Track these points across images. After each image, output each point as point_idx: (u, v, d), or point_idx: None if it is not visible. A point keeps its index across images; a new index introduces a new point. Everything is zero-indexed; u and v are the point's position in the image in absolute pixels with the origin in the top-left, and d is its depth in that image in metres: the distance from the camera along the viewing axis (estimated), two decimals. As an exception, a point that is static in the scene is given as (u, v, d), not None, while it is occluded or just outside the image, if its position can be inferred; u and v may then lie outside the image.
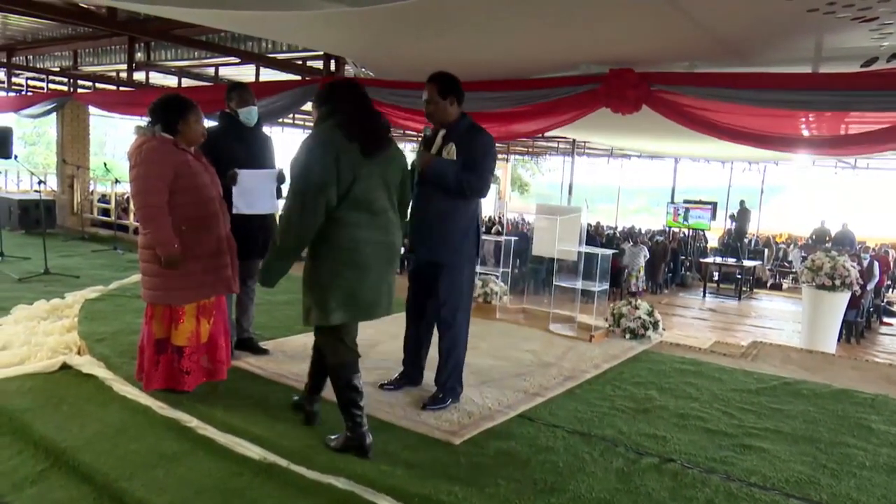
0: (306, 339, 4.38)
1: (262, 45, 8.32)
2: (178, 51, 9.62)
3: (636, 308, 5.00)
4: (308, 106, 8.51)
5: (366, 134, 2.63)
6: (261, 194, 3.69)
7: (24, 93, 13.13)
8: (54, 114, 11.97)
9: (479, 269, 5.74)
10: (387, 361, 4.00)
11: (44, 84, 12.40)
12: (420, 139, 3.41)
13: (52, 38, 10.59)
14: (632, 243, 13.76)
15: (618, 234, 16.32)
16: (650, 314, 4.99)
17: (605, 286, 5.07)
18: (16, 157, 8.80)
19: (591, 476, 2.65)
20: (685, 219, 15.45)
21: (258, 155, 3.77)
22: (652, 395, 3.72)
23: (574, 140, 11.75)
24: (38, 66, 12.04)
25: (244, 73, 9.76)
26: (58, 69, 11.66)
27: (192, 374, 3.20)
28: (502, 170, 31.45)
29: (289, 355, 4.01)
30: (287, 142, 22.84)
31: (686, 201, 15.98)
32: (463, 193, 3.16)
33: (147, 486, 2.51)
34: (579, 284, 5.11)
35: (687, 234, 16.23)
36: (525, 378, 3.86)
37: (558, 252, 5.13)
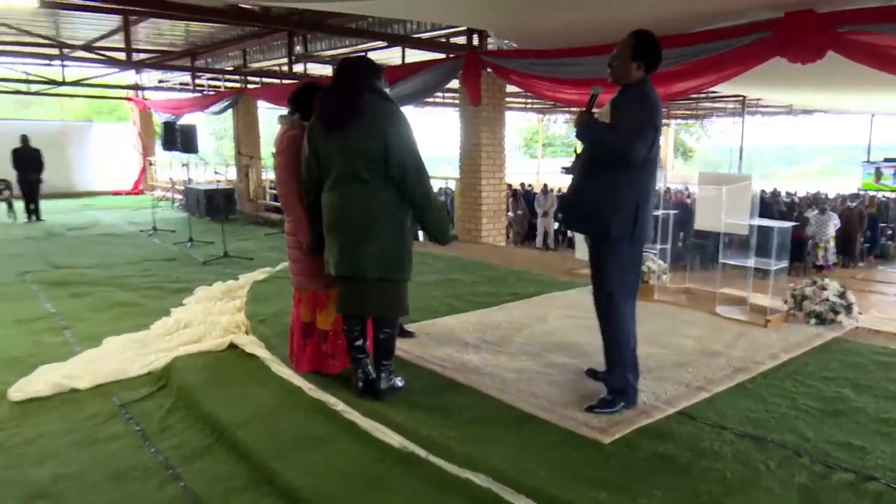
0: (453, 322, 4.36)
1: (406, 26, 8.38)
2: (332, 41, 10.03)
3: (823, 288, 4.33)
4: (455, 83, 8.48)
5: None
6: None
7: (205, 92, 14.55)
8: (230, 109, 13.13)
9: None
10: (532, 346, 3.82)
11: (220, 83, 13.65)
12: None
13: (225, 40, 11.56)
14: (817, 210, 12.20)
15: (798, 201, 14.58)
16: (841, 295, 4.29)
17: (784, 264, 4.44)
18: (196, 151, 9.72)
19: (767, 492, 2.28)
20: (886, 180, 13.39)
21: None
22: (845, 395, 3.17)
23: (744, 98, 10.55)
24: (215, 66, 13.25)
25: (392, 56, 9.95)
26: (231, 68, 12.75)
27: (337, 357, 3.26)
28: (662, 135, 29.59)
29: (434, 338, 3.97)
30: (439, 122, 23.27)
31: (887, 160, 13.83)
32: (608, 156, 2.81)
33: (295, 468, 2.58)
34: (751, 262, 4.53)
35: (888, 197, 14.07)
36: (687, 369, 3.48)
37: (725, 226, 4.58)
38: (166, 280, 6.28)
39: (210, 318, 4.71)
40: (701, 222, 4.98)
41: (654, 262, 5.21)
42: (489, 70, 7.64)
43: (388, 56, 10.33)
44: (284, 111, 3.36)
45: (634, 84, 2.83)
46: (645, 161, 2.77)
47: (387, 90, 3.41)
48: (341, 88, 2.86)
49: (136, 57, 12.59)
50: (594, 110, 2.88)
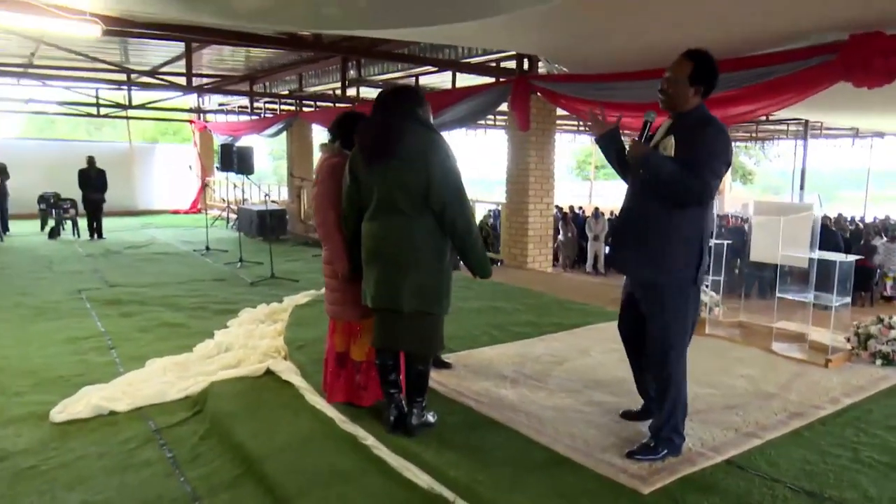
0: (492, 354, 4.25)
1: (457, 51, 8.42)
2: (384, 65, 10.18)
3: (891, 327, 4.03)
4: (504, 107, 8.44)
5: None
6: None
7: (262, 115, 14.98)
8: (285, 132, 13.46)
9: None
10: (572, 382, 3.67)
11: (276, 106, 14.03)
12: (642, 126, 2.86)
13: (282, 65, 11.91)
14: (886, 238, 11.54)
15: (864, 227, 13.84)
16: (912, 335, 3.98)
17: (846, 300, 4.16)
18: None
19: (823, 559, 2.08)
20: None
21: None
22: (914, 447, 2.91)
23: (807, 121, 10.14)
24: (272, 90, 13.64)
25: (443, 80, 10.00)
26: (286, 92, 13.09)
27: (369, 389, 3.20)
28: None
29: (472, 370, 3.87)
30: (489, 144, 23.25)
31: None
32: (677, 197, 2.59)
33: (318, 506, 2.51)
34: (811, 297, 4.27)
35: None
36: (738, 412, 3.26)
37: (782, 258, 4.34)
38: (213, 301, 6.38)
39: (251, 341, 4.74)
40: (757, 253, 4.73)
41: (705, 293, 4.97)
42: (538, 94, 7.56)
43: (439, 80, 10.41)
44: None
45: (694, 111, 2.64)
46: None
47: (430, 118, 3.38)
48: (383, 118, 2.83)
49: (198, 81, 13.14)
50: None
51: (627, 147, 2.67)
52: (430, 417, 3.03)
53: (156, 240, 11.48)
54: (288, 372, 3.92)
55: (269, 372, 4.03)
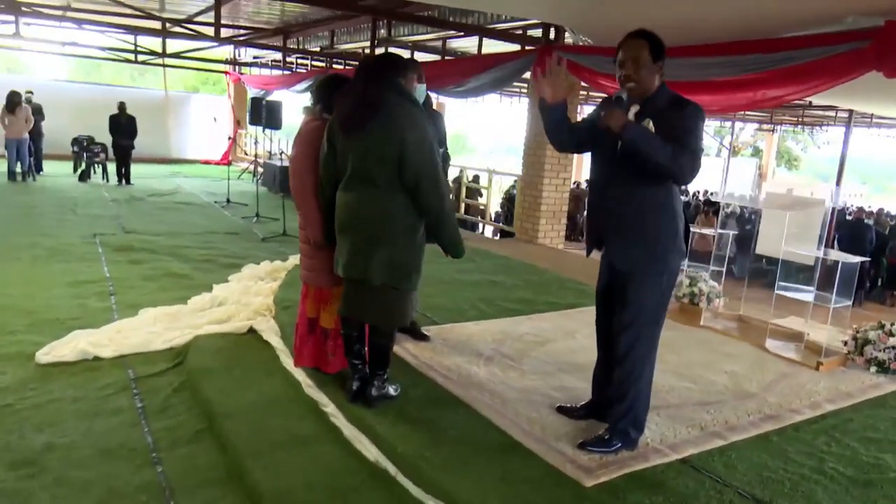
0: (475, 329, 4.22)
1: (485, 16, 8.21)
2: (413, 27, 10.01)
3: (890, 334, 3.86)
4: (527, 74, 8.23)
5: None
6: None
7: (294, 70, 14.94)
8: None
9: (687, 264, 4.98)
10: (548, 364, 3.64)
11: (308, 62, 13.97)
12: (604, 101, 2.78)
13: (316, 21, 11.81)
14: (924, 237, 11.05)
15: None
16: (911, 344, 3.82)
17: (847, 302, 4.00)
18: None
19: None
20: None
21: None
22: (885, 462, 2.80)
23: (851, 110, 9.66)
24: (305, 46, 13.57)
25: (470, 45, 9.80)
26: (318, 49, 13.00)
27: (337, 356, 3.21)
28: (765, 141, 27.72)
29: (449, 345, 3.85)
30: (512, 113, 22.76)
31: None
32: (670, 175, 2.46)
33: (265, 468, 2.55)
34: (811, 297, 4.11)
35: None
36: (710, 409, 3.19)
37: (785, 254, 4.18)
38: (222, 254, 6.48)
39: (245, 298, 4.79)
40: (763, 246, 4.56)
41: (705, 283, 4.84)
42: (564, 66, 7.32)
43: (466, 45, 10.20)
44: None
45: (662, 92, 2.52)
46: None
47: (413, 88, 3.28)
48: (361, 87, 2.77)
49: (231, 33, 13.14)
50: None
51: (602, 114, 2.46)
52: (392, 390, 3.04)
53: (181, 189, 11.67)
54: (269, 332, 3.96)
55: (252, 330, 4.08)
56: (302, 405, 3.10)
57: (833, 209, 4.30)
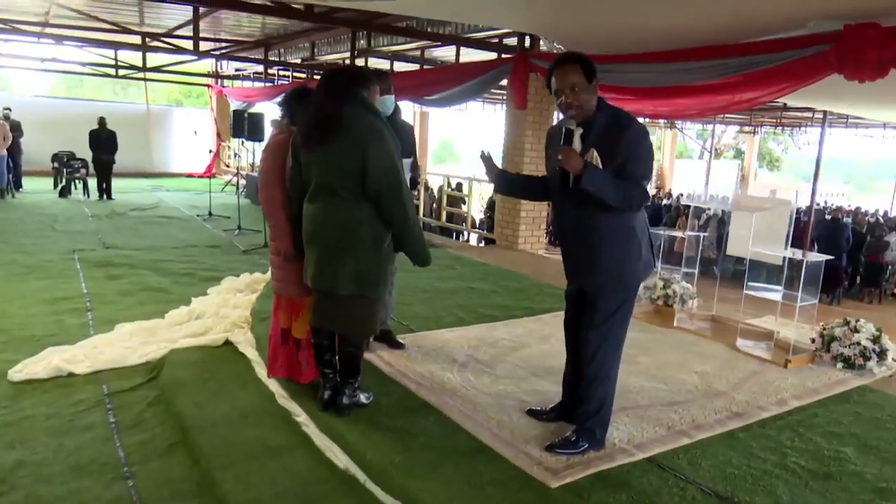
0: (450, 336, 4.26)
1: (462, 26, 8.30)
2: (393, 38, 10.09)
3: (855, 330, 3.95)
4: (505, 81, 8.32)
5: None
6: None
7: (276, 82, 14.98)
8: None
9: (660, 267, 5.05)
10: (522, 369, 3.68)
11: (289, 73, 14.01)
12: (554, 130, 2.79)
13: (296, 32, 11.88)
14: (901, 235, 11.23)
15: (882, 221, 13.46)
16: (875, 339, 3.90)
17: (812, 300, 4.08)
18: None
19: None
20: None
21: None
22: (846, 455, 2.87)
23: (824, 112, 9.88)
24: (287, 58, 13.62)
25: (448, 54, 9.89)
26: (299, 61, 13.05)
27: (309, 366, 3.24)
28: (747, 143, 28.06)
29: (424, 352, 3.89)
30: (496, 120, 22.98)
31: None
32: (624, 209, 2.55)
33: (235, 479, 2.57)
34: (779, 296, 4.19)
35: None
36: (678, 409, 3.24)
37: (752, 254, 4.26)
38: (202, 267, 6.49)
39: (222, 310, 4.80)
40: (733, 247, 4.65)
41: (679, 284, 4.91)
42: (537, 74, 7.43)
43: (445, 54, 10.29)
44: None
45: (599, 111, 2.55)
46: None
47: (386, 99, 3.32)
48: (322, 100, 2.82)
49: (212, 46, 13.16)
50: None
51: (559, 157, 2.48)
52: (364, 398, 3.07)
53: (163, 203, 11.65)
54: (245, 344, 3.98)
55: (228, 343, 4.10)
56: (275, 416, 3.12)
57: (796, 211, 4.37)
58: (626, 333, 2.78)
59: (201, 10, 9.32)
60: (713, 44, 5.39)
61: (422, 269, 3.18)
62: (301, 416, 3.03)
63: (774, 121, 20.99)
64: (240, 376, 3.60)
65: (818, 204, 14.53)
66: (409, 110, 19.20)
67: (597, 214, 2.56)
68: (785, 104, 11.82)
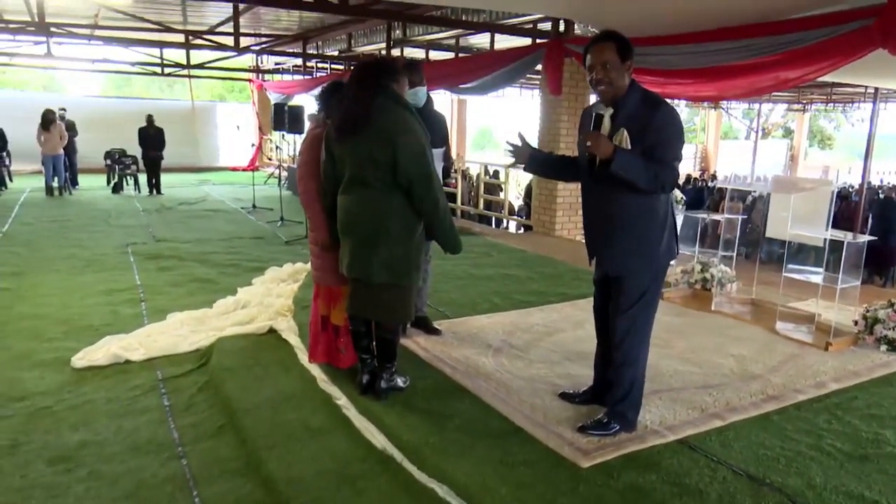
0: (485, 322, 4.34)
1: (496, 13, 8.29)
2: (427, 27, 10.14)
3: (901, 312, 3.86)
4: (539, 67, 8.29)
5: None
6: None
7: (315, 75, 15.21)
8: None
9: (697, 249, 5.02)
10: (555, 353, 3.73)
11: (327, 66, 14.21)
12: (585, 115, 2.78)
13: (332, 25, 12.04)
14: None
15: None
16: (921, 322, 3.81)
17: (854, 282, 4.00)
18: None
19: (731, 542, 2.11)
20: None
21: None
22: (885, 437, 2.84)
23: (877, 88, 9.49)
24: (323, 52, 13.81)
25: (482, 41, 9.89)
26: (336, 53, 13.22)
27: (348, 352, 3.36)
28: (796, 121, 27.10)
29: (459, 337, 3.98)
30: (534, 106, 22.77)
31: None
32: (654, 192, 2.55)
33: (279, 459, 2.72)
34: (820, 278, 4.13)
35: None
36: (712, 392, 3.25)
37: (792, 236, 4.19)
38: (246, 258, 6.71)
39: (267, 299, 4.98)
40: (773, 230, 4.57)
41: (717, 268, 4.87)
42: (572, 58, 7.39)
43: (480, 41, 10.29)
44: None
45: (631, 92, 2.56)
46: None
47: (418, 90, 3.38)
48: (352, 93, 2.91)
49: (252, 41, 13.45)
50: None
51: (588, 142, 2.53)
52: (401, 382, 3.18)
53: (209, 196, 12.02)
54: (288, 331, 4.14)
55: (272, 330, 4.27)
56: (316, 399, 3.26)
57: (849, 189, 4.27)
58: (653, 318, 2.80)
59: (241, 6, 9.56)
60: (752, 22, 5.27)
61: (457, 256, 3.27)
62: (341, 400, 3.16)
63: (825, 97, 20.24)
64: (283, 362, 3.76)
65: (870, 183, 14.01)
66: (446, 99, 19.22)
67: (620, 196, 2.59)
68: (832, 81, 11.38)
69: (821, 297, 4.24)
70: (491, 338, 3.97)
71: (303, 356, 3.73)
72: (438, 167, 3.69)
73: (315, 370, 3.50)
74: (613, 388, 2.81)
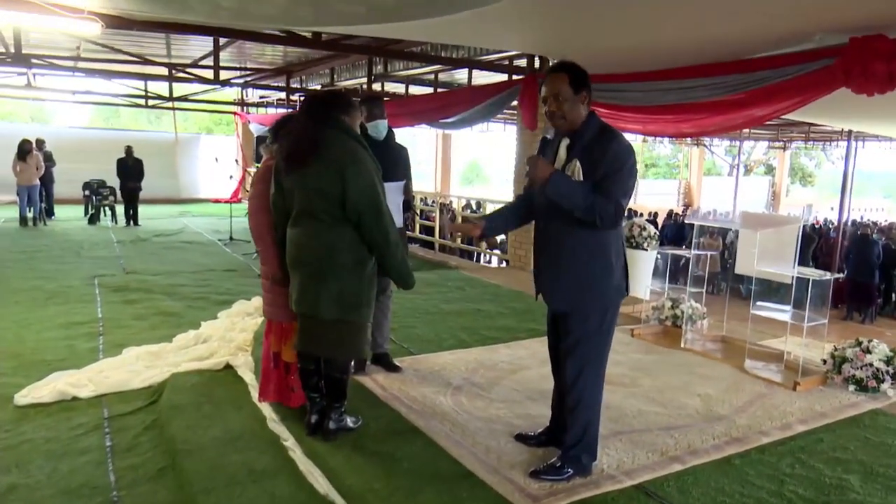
0: (449, 358, 4.24)
1: (474, 49, 8.38)
2: (407, 63, 10.23)
3: (867, 351, 3.80)
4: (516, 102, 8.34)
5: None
6: None
7: (297, 109, 15.27)
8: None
9: (668, 286, 4.97)
10: (517, 392, 3.63)
11: (311, 100, 14.29)
12: (541, 143, 2.77)
13: (316, 59, 12.13)
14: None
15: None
16: (889, 361, 3.75)
17: (822, 321, 3.94)
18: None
19: None
20: None
21: (386, 169, 3.68)
22: (849, 483, 2.74)
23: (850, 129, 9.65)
24: (306, 85, 13.90)
25: (461, 78, 9.98)
26: (319, 87, 13.30)
27: (298, 390, 3.24)
28: (778, 158, 27.54)
29: (420, 375, 3.87)
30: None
31: None
32: (594, 224, 2.46)
33: (216, 505, 2.57)
34: (787, 315, 4.07)
35: None
36: (675, 433, 3.15)
37: (759, 273, 4.15)
38: (216, 291, 6.58)
39: (230, 333, 4.85)
40: (741, 266, 4.54)
41: (687, 304, 4.81)
42: (547, 93, 7.43)
43: (456, 77, 10.40)
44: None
45: (588, 123, 2.52)
46: None
47: (356, 125, 3.33)
48: (304, 124, 2.86)
49: (234, 74, 13.52)
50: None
51: (529, 167, 2.51)
52: (350, 422, 3.06)
53: (187, 228, 11.89)
54: (244, 367, 4.01)
55: (229, 366, 4.13)
56: (264, 440, 3.12)
57: (804, 227, 4.26)
58: (605, 359, 2.71)
59: (221, 41, 9.60)
60: (721, 60, 5.33)
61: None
62: (288, 441, 3.03)
63: (804, 136, 20.61)
64: (236, 400, 3.62)
65: (855, 221, 14.14)
66: (430, 133, 19.35)
67: (568, 229, 2.53)
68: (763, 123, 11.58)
69: (791, 334, 4.18)
70: (452, 376, 3.86)
71: (256, 394, 3.59)
72: (398, 200, 3.65)
73: (266, 409, 3.37)
74: (567, 431, 2.71)
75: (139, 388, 3.90)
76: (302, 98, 13.59)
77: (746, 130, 19.07)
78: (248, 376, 3.86)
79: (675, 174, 28.80)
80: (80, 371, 4.06)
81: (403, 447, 2.94)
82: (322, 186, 2.75)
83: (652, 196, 25.52)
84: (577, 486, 2.60)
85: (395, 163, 3.78)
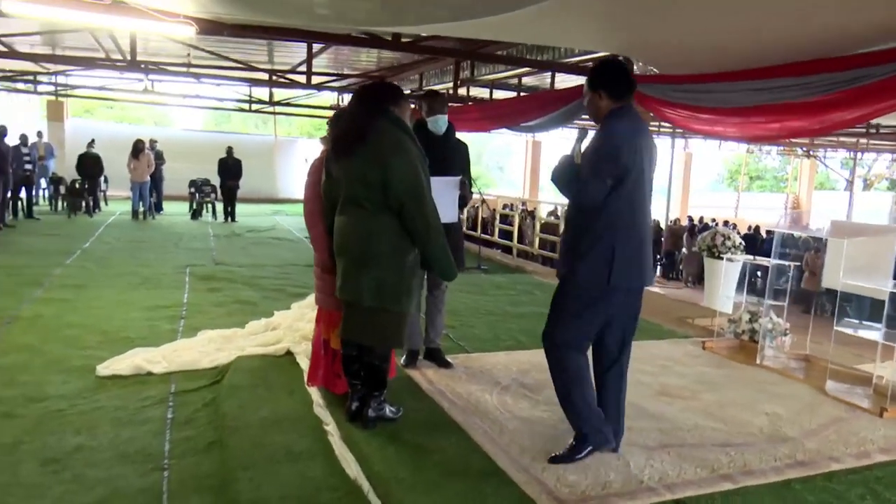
0: (503, 359, 4.18)
1: (558, 51, 8.26)
2: (494, 66, 10.25)
3: (970, 379, 3.38)
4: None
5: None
6: (439, 202, 3.59)
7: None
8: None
9: (745, 298, 4.65)
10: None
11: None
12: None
13: (407, 64, 12.42)
14: None
15: None
16: None
17: (916, 341, 3.55)
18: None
19: None
20: None
21: (444, 163, 3.68)
22: (925, 519, 2.45)
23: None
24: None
25: (543, 81, 9.86)
26: (409, 91, 13.58)
27: (343, 377, 3.29)
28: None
29: (470, 372, 3.84)
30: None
31: None
32: (580, 203, 2.73)
33: (251, 480, 2.66)
34: (880, 335, 3.70)
35: None
36: (730, 451, 2.93)
37: (844, 286, 3.80)
38: (293, 283, 6.84)
39: (298, 323, 5.01)
40: (828, 279, 4.18)
41: (767, 318, 4.48)
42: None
43: (540, 80, 10.29)
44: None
45: (607, 116, 2.67)
46: (619, 197, 2.58)
47: (406, 116, 3.35)
48: (352, 114, 2.92)
49: (327, 79, 14.07)
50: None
51: None
52: (389, 412, 3.07)
53: (278, 226, 12.47)
54: (302, 355, 4.13)
55: (290, 352, 4.28)
56: (307, 423, 3.20)
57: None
58: (566, 333, 2.79)
59: (315, 47, 10.02)
60: (808, 58, 4.94)
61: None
62: (329, 425, 3.08)
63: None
64: (289, 384, 3.74)
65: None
66: (521, 140, 19.25)
67: (573, 205, 2.87)
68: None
69: (881, 356, 3.80)
70: (502, 375, 3.79)
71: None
72: (453, 195, 3.64)
73: (315, 394, 3.46)
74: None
75: (207, 367, 4.12)
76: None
77: (864, 141, 17.64)
78: (304, 363, 3.97)
79: (782, 188, 27.02)
80: (157, 349, 4.34)
81: (438, 440, 2.92)
82: (366, 174, 2.80)
83: (755, 210, 24.08)
84: (610, 495, 2.47)
85: (451, 158, 3.78)
